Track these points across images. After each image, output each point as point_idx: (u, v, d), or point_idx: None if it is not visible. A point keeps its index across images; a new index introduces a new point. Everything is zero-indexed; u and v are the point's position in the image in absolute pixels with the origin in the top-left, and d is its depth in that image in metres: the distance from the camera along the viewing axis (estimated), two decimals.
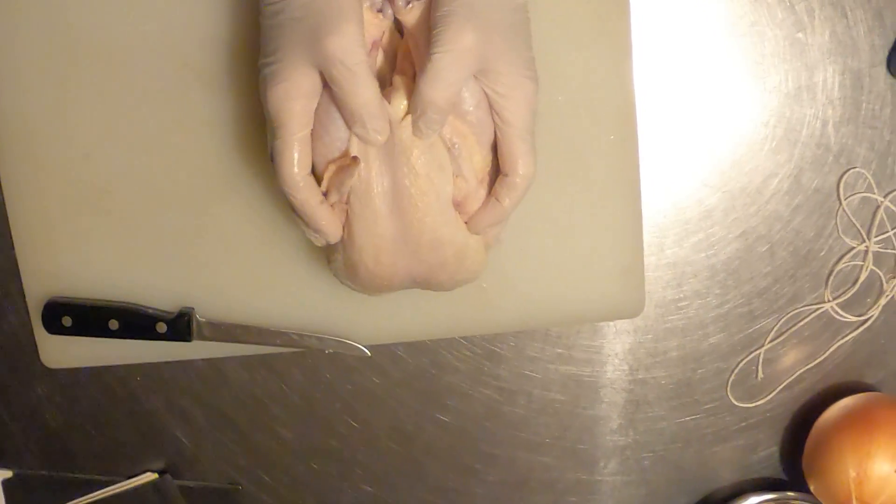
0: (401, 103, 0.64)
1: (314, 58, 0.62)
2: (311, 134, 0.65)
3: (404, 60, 0.67)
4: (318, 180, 0.66)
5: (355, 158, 0.65)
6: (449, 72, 0.62)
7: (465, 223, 0.68)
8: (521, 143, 0.65)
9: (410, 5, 0.65)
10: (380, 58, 0.67)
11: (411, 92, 0.64)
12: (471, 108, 0.65)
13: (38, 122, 0.75)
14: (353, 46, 0.62)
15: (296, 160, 0.64)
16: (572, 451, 0.85)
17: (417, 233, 0.66)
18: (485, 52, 0.63)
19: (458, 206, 0.68)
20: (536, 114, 0.66)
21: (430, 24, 0.64)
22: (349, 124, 0.64)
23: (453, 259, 0.68)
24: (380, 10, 0.65)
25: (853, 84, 0.80)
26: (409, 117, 0.64)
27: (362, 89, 0.63)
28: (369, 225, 0.66)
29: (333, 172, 0.66)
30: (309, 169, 0.65)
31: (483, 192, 0.68)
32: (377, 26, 0.66)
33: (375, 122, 0.64)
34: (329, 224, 0.66)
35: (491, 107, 0.65)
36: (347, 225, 0.68)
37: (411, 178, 0.65)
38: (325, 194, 0.66)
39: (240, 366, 0.83)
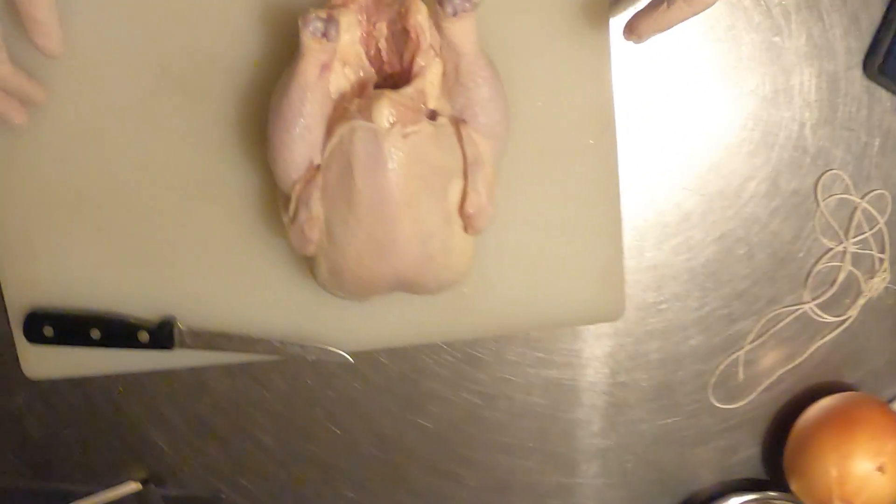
0: (383, 112, 0.65)
1: None
2: (276, 159, 0.68)
3: (393, 56, 0.68)
4: (286, 202, 0.68)
5: (317, 167, 0.66)
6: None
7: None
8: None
9: (456, 16, 0.66)
10: (348, 70, 0.68)
11: (394, 102, 0.65)
12: (486, 121, 0.68)
13: (16, 130, 0.74)
14: None
15: None
16: (553, 454, 0.86)
17: (404, 229, 0.67)
18: None
19: (468, 218, 0.69)
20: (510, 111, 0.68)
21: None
22: (28, 34, 0.67)
23: (441, 252, 0.69)
24: (323, 35, 0.65)
25: (830, 87, 0.80)
26: (396, 126, 0.65)
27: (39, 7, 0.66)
28: (351, 228, 0.67)
29: (300, 190, 0.68)
30: None
31: (493, 209, 0.69)
32: (322, 51, 0.66)
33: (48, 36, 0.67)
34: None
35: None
36: (328, 231, 0.68)
37: (398, 182, 0.66)
38: (294, 216, 0.68)
39: (222, 374, 0.83)
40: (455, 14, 0.66)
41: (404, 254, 0.68)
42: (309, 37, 0.65)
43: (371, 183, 0.66)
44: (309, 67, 0.66)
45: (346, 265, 0.69)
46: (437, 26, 0.67)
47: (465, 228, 0.70)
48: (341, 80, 0.68)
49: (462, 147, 0.68)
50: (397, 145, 0.65)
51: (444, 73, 0.68)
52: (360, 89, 0.69)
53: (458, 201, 0.69)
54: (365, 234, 0.67)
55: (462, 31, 0.66)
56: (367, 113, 0.65)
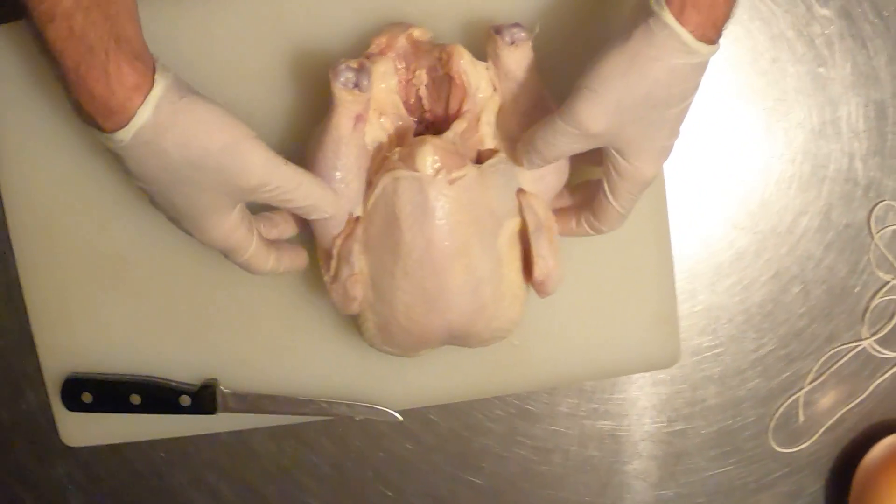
0: (426, 159, 0.63)
1: (234, 199, 0.64)
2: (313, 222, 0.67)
3: (438, 101, 0.68)
4: (327, 260, 0.68)
5: (357, 219, 0.66)
6: (563, 141, 0.63)
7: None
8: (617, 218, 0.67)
9: (514, 44, 0.66)
10: (386, 120, 0.67)
11: (438, 148, 0.64)
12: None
13: (52, 195, 0.74)
14: (268, 174, 0.63)
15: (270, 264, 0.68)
16: None
17: (455, 279, 0.65)
18: (610, 139, 0.62)
19: (538, 285, 0.68)
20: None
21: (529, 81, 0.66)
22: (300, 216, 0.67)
23: (492, 299, 0.67)
24: (355, 86, 0.64)
25: (877, 115, 0.79)
26: (441, 173, 0.64)
27: (300, 196, 0.64)
28: (399, 282, 0.65)
29: (340, 245, 0.67)
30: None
31: (561, 270, 0.68)
32: (355, 102, 0.64)
33: (324, 208, 0.65)
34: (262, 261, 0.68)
35: (606, 178, 0.65)
36: (373, 286, 0.67)
37: (448, 231, 0.64)
38: (336, 274, 0.67)
39: (267, 437, 0.81)
40: (513, 43, 0.65)
41: (456, 304, 0.66)
42: (340, 88, 0.64)
43: (419, 234, 0.64)
44: (342, 120, 0.64)
45: (394, 320, 0.67)
46: (494, 57, 0.66)
47: (537, 293, 0.69)
48: (378, 130, 0.67)
49: (522, 215, 0.67)
50: (444, 192, 0.64)
51: (502, 109, 0.67)
52: (400, 139, 0.67)
53: (510, 243, 0.67)
54: (414, 287, 0.65)
55: (519, 60, 0.66)
56: (410, 161, 0.64)
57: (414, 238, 0.64)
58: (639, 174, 0.64)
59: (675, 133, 0.64)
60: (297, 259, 0.70)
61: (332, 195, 0.65)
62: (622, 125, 0.61)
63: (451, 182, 0.64)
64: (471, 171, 0.65)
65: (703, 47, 0.59)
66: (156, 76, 0.58)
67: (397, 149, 0.65)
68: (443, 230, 0.64)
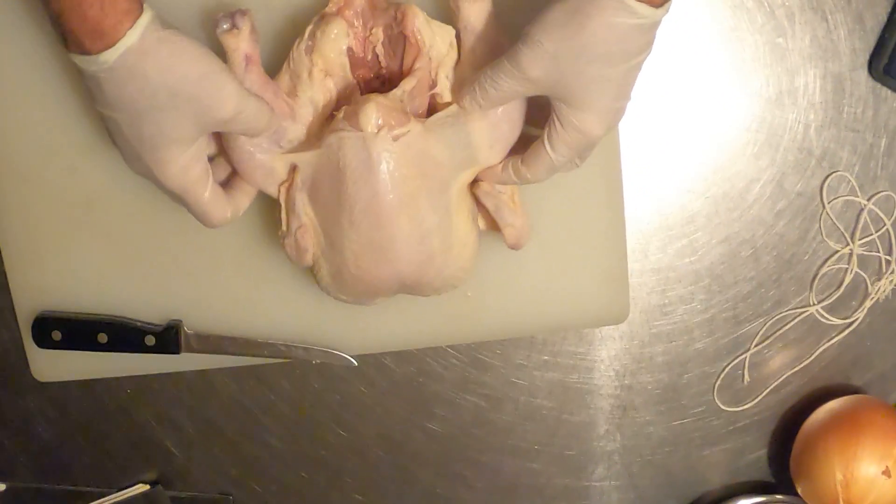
0: (370, 117, 0.65)
1: (201, 129, 0.66)
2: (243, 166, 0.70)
3: (393, 59, 0.69)
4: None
5: (294, 167, 0.69)
6: (506, 83, 0.64)
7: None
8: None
9: None
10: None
11: (382, 106, 0.66)
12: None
13: (24, 137, 0.75)
14: (239, 108, 0.65)
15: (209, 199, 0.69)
16: (560, 457, 0.86)
17: (401, 230, 0.67)
18: (552, 88, 0.64)
19: (512, 247, 0.72)
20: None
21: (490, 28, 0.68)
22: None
23: (441, 249, 0.69)
24: (233, 26, 0.67)
25: (834, 88, 0.80)
26: (383, 130, 0.66)
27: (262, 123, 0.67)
28: (347, 233, 0.68)
29: (285, 196, 0.70)
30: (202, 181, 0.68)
31: (528, 225, 0.72)
32: (239, 41, 0.67)
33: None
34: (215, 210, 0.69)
35: (548, 127, 0.66)
36: (325, 237, 0.69)
37: (391, 186, 0.66)
38: (286, 228, 0.70)
39: (228, 377, 0.83)
40: None
41: (403, 254, 0.68)
42: (222, 34, 0.67)
43: (363, 187, 0.66)
44: (234, 63, 0.67)
45: (346, 269, 0.69)
46: (455, 8, 0.68)
47: (512, 249, 0.72)
48: (323, 90, 0.69)
49: (481, 203, 0.71)
50: (387, 148, 0.66)
51: (460, 62, 0.69)
52: (345, 99, 0.69)
53: (460, 194, 0.70)
54: (361, 237, 0.68)
55: (478, 11, 0.68)
56: (354, 119, 0.66)
57: (358, 191, 0.66)
58: (582, 128, 0.65)
59: (622, 95, 0.65)
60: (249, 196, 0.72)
61: (269, 113, 0.68)
62: (562, 74, 0.63)
63: (395, 139, 0.66)
64: (415, 127, 0.67)
65: (644, 8, 0.60)
66: (144, 6, 0.62)
67: (344, 107, 0.67)
68: (386, 184, 0.66)
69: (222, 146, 0.70)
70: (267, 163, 0.69)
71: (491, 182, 0.70)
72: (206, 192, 0.68)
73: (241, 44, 0.68)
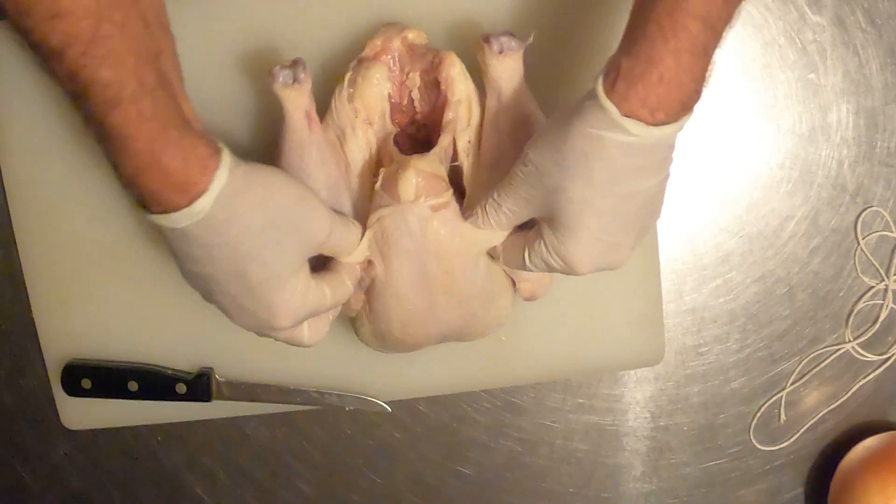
0: (410, 183, 0.64)
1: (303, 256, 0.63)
2: None
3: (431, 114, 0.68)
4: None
5: (369, 262, 0.66)
6: (504, 207, 0.62)
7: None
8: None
9: (503, 54, 0.64)
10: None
11: (420, 172, 0.64)
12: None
13: (53, 185, 0.75)
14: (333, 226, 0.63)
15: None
16: (596, 499, 0.85)
17: (441, 297, 0.67)
18: (542, 209, 0.60)
19: (529, 300, 0.71)
20: None
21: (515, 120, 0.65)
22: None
23: (481, 307, 0.69)
24: (294, 80, 0.64)
25: (867, 123, 0.80)
26: (421, 199, 0.64)
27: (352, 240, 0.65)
28: (391, 301, 0.67)
29: (362, 300, 0.68)
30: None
31: (547, 280, 0.70)
32: (300, 96, 0.64)
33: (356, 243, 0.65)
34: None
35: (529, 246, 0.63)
36: (370, 301, 0.68)
37: (431, 254, 0.65)
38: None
39: (260, 423, 0.83)
40: (501, 52, 0.64)
41: (445, 318, 0.68)
42: (281, 87, 0.64)
43: (406, 259, 0.65)
44: (294, 119, 0.65)
45: (390, 334, 0.69)
46: (483, 66, 0.65)
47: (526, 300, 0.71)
48: (363, 144, 0.67)
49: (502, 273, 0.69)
50: (426, 218, 0.64)
51: (485, 125, 0.67)
52: (381, 149, 0.68)
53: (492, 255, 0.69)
54: (405, 307, 0.67)
55: (507, 70, 0.65)
56: (392, 188, 0.64)
57: (402, 265, 0.65)
58: (564, 256, 0.61)
59: (608, 230, 0.59)
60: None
61: (358, 230, 0.65)
62: (546, 191, 0.58)
63: (435, 209, 0.64)
64: (452, 198, 0.65)
65: (634, 125, 0.54)
66: (219, 144, 0.58)
67: (382, 169, 0.65)
68: (428, 253, 0.65)
69: None
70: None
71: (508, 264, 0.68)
72: (328, 302, 0.65)
73: (302, 99, 0.64)
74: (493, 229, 0.65)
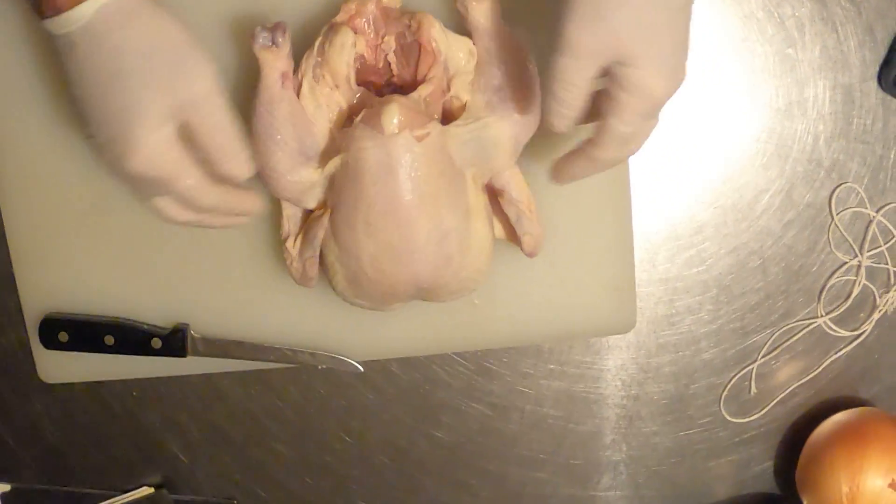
0: (393, 119, 0.65)
1: (171, 108, 0.61)
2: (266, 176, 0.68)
3: (407, 64, 0.69)
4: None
5: (324, 203, 0.68)
6: (574, 74, 0.62)
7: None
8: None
9: None
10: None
11: (403, 107, 0.65)
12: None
13: (32, 140, 0.76)
14: (214, 91, 0.62)
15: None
16: (566, 466, 0.86)
17: (420, 231, 0.67)
18: (610, 51, 0.61)
19: (529, 255, 0.72)
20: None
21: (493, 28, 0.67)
22: (210, 163, 0.64)
23: (458, 251, 0.69)
24: (273, 43, 0.66)
25: (844, 99, 0.80)
26: (405, 131, 0.65)
27: (221, 134, 0.63)
28: (364, 235, 0.68)
29: (307, 227, 0.70)
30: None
31: (542, 233, 0.72)
32: (277, 59, 0.66)
33: (235, 161, 0.64)
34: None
35: (611, 101, 0.63)
36: (339, 240, 0.69)
37: (412, 186, 0.66)
38: (298, 252, 0.71)
39: (235, 381, 0.83)
40: None
41: (422, 255, 0.68)
42: (260, 48, 0.66)
43: (383, 190, 0.66)
44: (269, 79, 0.67)
45: (363, 273, 0.69)
46: (463, 12, 0.68)
47: (527, 256, 0.72)
48: (332, 104, 0.69)
49: (503, 210, 0.71)
50: (410, 149, 0.66)
51: (479, 65, 0.69)
52: (353, 110, 0.69)
53: (475, 194, 0.70)
54: (380, 241, 0.68)
55: (485, 12, 0.68)
56: (375, 120, 0.66)
57: (377, 192, 0.66)
58: (644, 86, 0.62)
59: (677, 46, 0.62)
60: (250, 202, 0.69)
61: (248, 157, 0.64)
62: (611, 32, 0.60)
63: (419, 139, 0.66)
64: (435, 128, 0.67)
65: None
66: None
67: (364, 109, 0.67)
68: (406, 184, 0.66)
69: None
70: (305, 178, 0.69)
71: (521, 191, 0.70)
72: (191, 179, 0.63)
73: (279, 61, 0.66)
74: (573, 122, 0.64)
